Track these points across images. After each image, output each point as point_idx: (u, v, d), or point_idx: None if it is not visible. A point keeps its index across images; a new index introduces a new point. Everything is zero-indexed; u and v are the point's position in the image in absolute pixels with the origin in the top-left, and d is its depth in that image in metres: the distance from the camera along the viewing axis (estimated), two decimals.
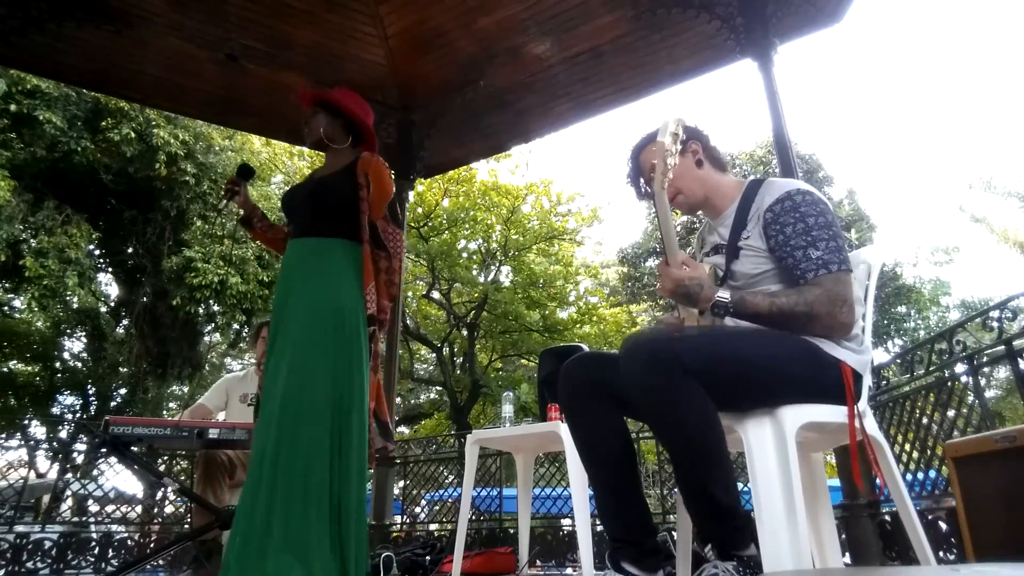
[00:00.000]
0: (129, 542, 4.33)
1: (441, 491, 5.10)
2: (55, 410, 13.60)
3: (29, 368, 13.45)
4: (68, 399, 14.07)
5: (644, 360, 1.30)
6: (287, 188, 2.40)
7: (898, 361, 3.56)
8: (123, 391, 13.01)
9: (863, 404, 1.41)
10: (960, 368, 2.58)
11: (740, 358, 1.33)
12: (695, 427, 1.26)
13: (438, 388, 15.93)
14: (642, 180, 1.67)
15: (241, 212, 2.29)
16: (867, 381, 1.45)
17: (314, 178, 2.23)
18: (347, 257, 2.01)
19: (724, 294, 1.38)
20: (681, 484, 1.33)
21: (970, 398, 2.54)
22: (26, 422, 12.92)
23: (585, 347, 2.36)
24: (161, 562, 3.98)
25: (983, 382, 2.61)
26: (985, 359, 2.51)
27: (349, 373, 1.90)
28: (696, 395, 1.26)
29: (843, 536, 2.62)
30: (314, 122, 2.17)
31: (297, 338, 1.90)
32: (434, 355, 14.91)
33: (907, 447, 2.84)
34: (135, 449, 2.72)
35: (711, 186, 1.62)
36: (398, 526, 4.62)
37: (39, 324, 11.86)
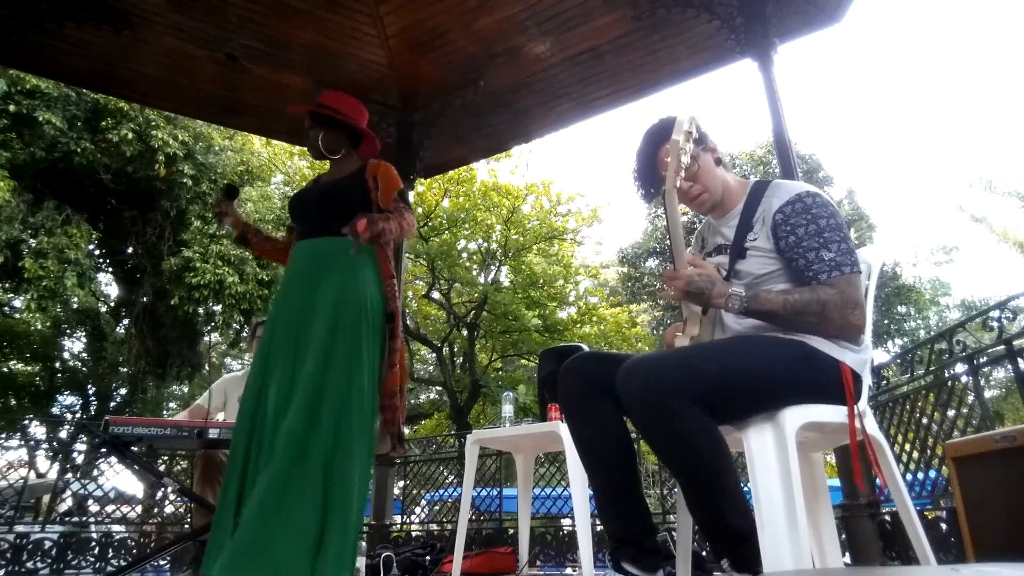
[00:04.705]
0: (129, 542, 4.33)
1: (441, 491, 5.10)
2: (55, 410, 13.60)
3: (29, 368, 13.44)
4: (68, 399, 14.09)
5: (641, 393, 1.28)
6: (294, 192, 2.44)
7: (898, 361, 3.56)
8: (123, 391, 13.00)
9: (863, 404, 1.41)
10: (960, 368, 2.57)
11: (738, 372, 1.32)
12: (701, 457, 1.25)
13: (438, 388, 15.93)
14: (658, 172, 1.56)
15: (235, 231, 2.29)
16: (867, 381, 1.45)
17: (321, 182, 2.25)
18: (363, 255, 2.03)
19: (739, 289, 1.38)
20: (695, 513, 1.31)
21: (970, 398, 2.54)
22: (26, 422, 12.91)
23: (585, 347, 2.36)
24: (161, 562, 3.97)
25: (983, 382, 2.60)
26: (985, 359, 2.51)
27: (372, 368, 1.92)
28: (698, 422, 1.25)
29: (843, 536, 2.62)
30: (312, 135, 2.20)
31: (325, 332, 1.90)
32: (434, 355, 14.90)
33: (907, 447, 2.84)
34: (135, 449, 2.72)
35: (725, 185, 1.62)
36: (398, 526, 4.61)
37: (39, 324, 11.85)
